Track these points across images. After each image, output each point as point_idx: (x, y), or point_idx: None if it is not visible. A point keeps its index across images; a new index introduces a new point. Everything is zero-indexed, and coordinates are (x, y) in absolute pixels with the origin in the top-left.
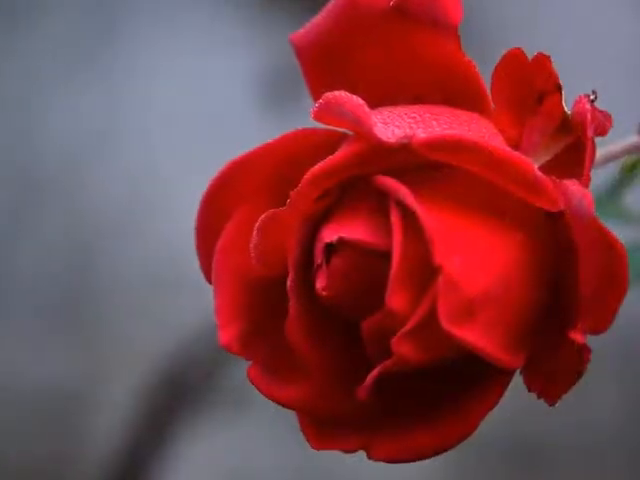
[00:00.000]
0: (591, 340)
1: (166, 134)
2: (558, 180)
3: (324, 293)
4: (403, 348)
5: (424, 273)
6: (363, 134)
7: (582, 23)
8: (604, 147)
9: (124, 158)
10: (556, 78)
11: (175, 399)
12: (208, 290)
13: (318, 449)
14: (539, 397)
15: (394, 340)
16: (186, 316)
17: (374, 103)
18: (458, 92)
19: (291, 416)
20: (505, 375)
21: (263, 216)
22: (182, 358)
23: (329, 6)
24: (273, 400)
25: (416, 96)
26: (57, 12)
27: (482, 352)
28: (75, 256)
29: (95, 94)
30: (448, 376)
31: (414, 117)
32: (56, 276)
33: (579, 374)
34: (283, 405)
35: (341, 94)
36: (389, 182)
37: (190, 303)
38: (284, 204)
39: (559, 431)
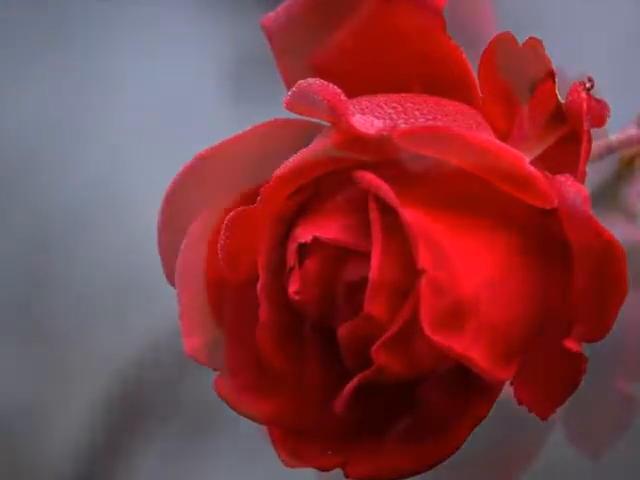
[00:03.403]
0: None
1: (132, 124)
2: (551, 175)
3: (297, 297)
4: (384, 357)
5: (406, 276)
6: (339, 125)
7: (578, 7)
8: (601, 139)
9: (85, 150)
10: (549, 64)
11: (136, 412)
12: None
13: (291, 467)
14: (530, 411)
15: (373, 348)
16: (151, 323)
17: (353, 92)
18: (443, 80)
19: (262, 431)
20: (493, 387)
21: (231, 214)
22: (145, 368)
23: None
24: (242, 414)
25: (398, 84)
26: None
27: (469, 362)
28: (30, 257)
29: (53, 84)
30: (431, 388)
31: (395, 107)
32: (9, 278)
33: (574, 385)
34: (253, 419)
35: (315, 82)
36: (368, 177)
37: (156, 308)
38: (255, 201)
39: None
